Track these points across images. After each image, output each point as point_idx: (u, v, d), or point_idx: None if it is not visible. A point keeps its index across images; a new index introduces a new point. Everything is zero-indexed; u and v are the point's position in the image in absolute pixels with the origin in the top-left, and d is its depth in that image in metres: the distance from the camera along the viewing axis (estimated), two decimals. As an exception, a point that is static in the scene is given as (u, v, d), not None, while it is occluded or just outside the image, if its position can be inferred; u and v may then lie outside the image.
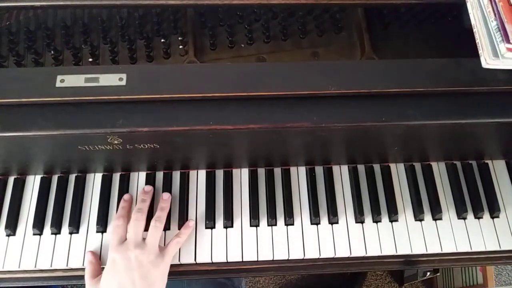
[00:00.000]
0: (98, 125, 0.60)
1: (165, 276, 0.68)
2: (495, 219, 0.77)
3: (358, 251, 0.73)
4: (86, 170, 0.77)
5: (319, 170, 0.79)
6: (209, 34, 0.74)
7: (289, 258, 0.73)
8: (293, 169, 0.79)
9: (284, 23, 0.76)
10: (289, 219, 0.74)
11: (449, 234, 0.75)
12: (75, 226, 0.73)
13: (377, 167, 0.79)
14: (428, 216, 0.76)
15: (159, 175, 0.77)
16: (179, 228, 0.73)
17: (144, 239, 0.68)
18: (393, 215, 0.75)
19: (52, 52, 0.72)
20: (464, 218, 0.76)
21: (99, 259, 0.71)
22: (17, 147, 0.66)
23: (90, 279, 0.68)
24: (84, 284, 0.69)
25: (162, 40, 0.73)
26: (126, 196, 0.74)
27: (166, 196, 0.74)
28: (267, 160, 0.77)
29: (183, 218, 0.74)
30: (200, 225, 0.74)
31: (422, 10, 0.77)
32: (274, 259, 0.73)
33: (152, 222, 0.70)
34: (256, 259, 0.72)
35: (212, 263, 0.73)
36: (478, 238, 0.75)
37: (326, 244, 0.73)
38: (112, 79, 0.60)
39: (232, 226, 0.74)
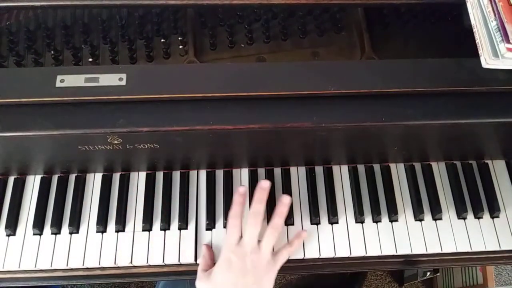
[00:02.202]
0: (98, 125, 0.60)
1: (273, 282, 0.67)
2: (495, 219, 0.77)
3: (358, 251, 0.73)
4: (86, 170, 0.77)
5: (319, 170, 0.79)
6: (209, 34, 0.74)
7: (289, 258, 0.73)
8: (293, 169, 0.79)
9: (284, 23, 0.76)
10: (289, 219, 0.74)
11: (449, 234, 0.75)
12: (75, 226, 0.73)
13: (377, 167, 0.79)
14: (428, 216, 0.76)
15: (159, 175, 0.77)
16: (179, 229, 0.73)
17: (259, 241, 0.68)
18: (393, 215, 0.75)
19: (52, 52, 0.72)
20: (464, 218, 0.76)
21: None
22: (17, 147, 0.66)
23: (202, 272, 0.68)
24: (84, 284, 0.69)
25: (162, 40, 0.73)
26: (241, 189, 0.70)
27: (287, 200, 0.70)
28: (267, 160, 0.77)
29: (182, 219, 0.74)
30: (200, 225, 0.74)
31: (422, 10, 0.77)
32: (274, 259, 0.73)
33: (269, 229, 0.68)
34: (256, 259, 0.72)
35: (213, 263, 0.73)
36: (478, 238, 0.75)
37: (326, 244, 0.73)
38: (112, 79, 0.60)
39: (232, 226, 0.74)
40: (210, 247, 0.72)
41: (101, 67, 0.71)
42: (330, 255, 0.73)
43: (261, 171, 0.78)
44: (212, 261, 0.71)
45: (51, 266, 0.71)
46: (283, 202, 0.70)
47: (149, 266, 0.73)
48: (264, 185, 0.69)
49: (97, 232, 0.73)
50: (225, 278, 0.65)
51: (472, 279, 1.28)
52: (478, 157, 0.80)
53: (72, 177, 0.76)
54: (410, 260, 0.76)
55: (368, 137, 0.69)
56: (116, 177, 0.77)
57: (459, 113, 0.63)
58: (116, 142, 0.62)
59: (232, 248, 0.67)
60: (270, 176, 0.77)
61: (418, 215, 0.75)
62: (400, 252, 0.74)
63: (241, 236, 0.68)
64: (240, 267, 0.65)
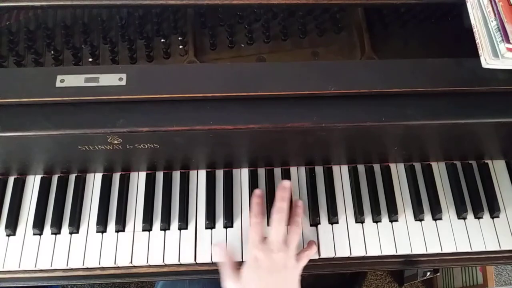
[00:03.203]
0: (98, 125, 0.60)
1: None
2: (495, 219, 0.77)
3: (358, 251, 0.73)
4: (86, 170, 0.77)
5: (319, 170, 0.79)
6: (209, 34, 0.74)
7: (289, 258, 0.73)
8: (293, 169, 0.79)
9: (284, 23, 0.76)
10: (289, 219, 0.74)
11: (449, 234, 0.75)
12: (75, 226, 0.73)
13: (377, 167, 0.79)
14: (428, 216, 0.76)
15: (159, 175, 0.77)
16: (179, 229, 0.73)
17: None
18: (393, 215, 0.75)
19: (52, 52, 0.72)
20: (464, 218, 0.76)
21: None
22: (17, 147, 0.66)
23: (231, 271, 0.67)
24: (84, 284, 0.69)
25: (162, 40, 0.73)
26: (258, 192, 0.72)
27: (300, 203, 0.73)
28: (267, 160, 0.77)
29: (182, 219, 0.74)
30: (200, 225, 0.74)
31: (422, 10, 0.77)
32: (274, 259, 0.73)
33: (292, 226, 0.69)
34: (256, 259, 0.72)
35: (212, 263, 0.73)
36: (478, 238, 0.75)
37: (326, 244, 0.73)
38: (112, 79, 0.60)
39: (232, 226, 0.74)
40: (224, 245, 0.72)
41: (101, 67, 0.71)
42: (330, 255, 0.73)
43: (261, 171, 0.78)
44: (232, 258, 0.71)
45: (51, 266, 0.71)
46: (297, 204, 0.73)
47: (149, 266, 0.73)
48: (286, 184, 0.70)
49: (97, 232, 0.73)
50: (254, 277, 0.65)
51: (472, 279, 1.28)
52: (478, 157, 0.80)
53: (72, 177, 0.76)
54: (410, 260, 0.76)
55: (368, 137, 0.69)
56: (116, 177, 0.77)
57: (459, 113, 0.63)
58: (116, 142, 0.62)
59: (257, 245, 0.66)
60: (270, 176, 0.77)
61: (418, 215, 0.75)
62: (400, 252, 0.74)
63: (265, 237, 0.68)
64: (267, 265, 0.65)
